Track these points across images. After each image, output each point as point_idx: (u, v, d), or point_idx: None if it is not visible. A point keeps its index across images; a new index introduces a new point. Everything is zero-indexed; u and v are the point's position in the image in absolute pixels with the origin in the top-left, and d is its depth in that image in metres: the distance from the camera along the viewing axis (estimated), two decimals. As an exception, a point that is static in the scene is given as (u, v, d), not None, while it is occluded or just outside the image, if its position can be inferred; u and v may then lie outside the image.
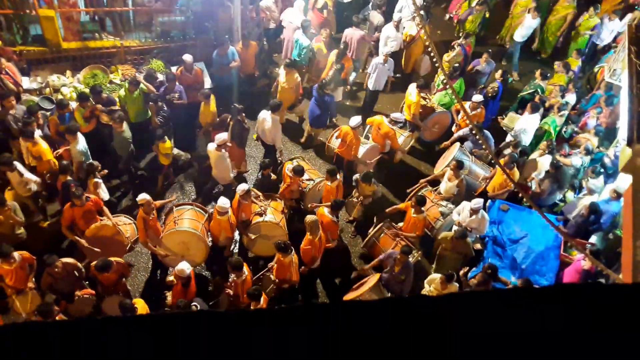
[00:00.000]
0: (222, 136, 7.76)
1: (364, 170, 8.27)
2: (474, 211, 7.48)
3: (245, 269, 6.68)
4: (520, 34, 11.20)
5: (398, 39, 10.36)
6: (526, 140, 9.31)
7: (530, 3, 11.19)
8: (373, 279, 7.05)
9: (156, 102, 8.28)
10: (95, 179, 7.41)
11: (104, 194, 7.59)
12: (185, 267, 6.43)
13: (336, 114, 9.75)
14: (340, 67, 9.42)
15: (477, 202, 7.53)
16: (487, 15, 11.46)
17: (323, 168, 9.40)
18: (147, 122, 8.69)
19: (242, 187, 7.28)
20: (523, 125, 9.19)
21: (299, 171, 7.68)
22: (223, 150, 7.81)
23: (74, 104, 8.16)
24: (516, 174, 8.19)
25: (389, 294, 7.06)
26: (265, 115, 8.42)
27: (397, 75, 10.81)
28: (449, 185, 8.17)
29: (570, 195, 8.66)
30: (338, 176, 7.66)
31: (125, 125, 7.91)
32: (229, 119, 8.44)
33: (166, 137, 8.01)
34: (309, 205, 7.94)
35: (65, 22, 9.35)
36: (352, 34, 10.34)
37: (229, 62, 9.34)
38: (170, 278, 6.68)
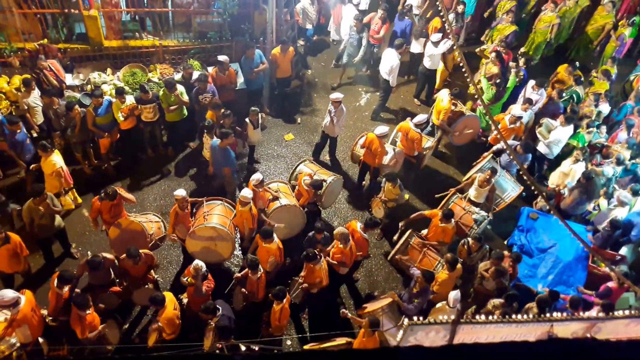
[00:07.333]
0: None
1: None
2: None
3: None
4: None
5: (436, 57, 10.20)
6: (556, 151, 9.19)
7: (554, 19, 11.07)
8: (389, 298, 6.99)
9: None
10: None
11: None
12: (200, 264, 6.45)
13: (410, 41, 10.82)
14: (425, 19, 10.75)
15: None
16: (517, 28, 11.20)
17: (350, 171, 9.50)
18: (182, 122, 8.94)
19: (256, 177, 7.48)
20: (557, 136, 9.04)
21: (317, 186, 7.60)
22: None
23: (114, 100, 8.46)
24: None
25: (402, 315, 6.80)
26: (390, 53, 9.77)
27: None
28: (480, 191, 8.09)
29: (604, 203, 8.48)
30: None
31: None
32: None
33: None
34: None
35: (107, 22, 9.72)
36: None
37: (256, 65, 9.45)
38: (186, 279, 6.57)
